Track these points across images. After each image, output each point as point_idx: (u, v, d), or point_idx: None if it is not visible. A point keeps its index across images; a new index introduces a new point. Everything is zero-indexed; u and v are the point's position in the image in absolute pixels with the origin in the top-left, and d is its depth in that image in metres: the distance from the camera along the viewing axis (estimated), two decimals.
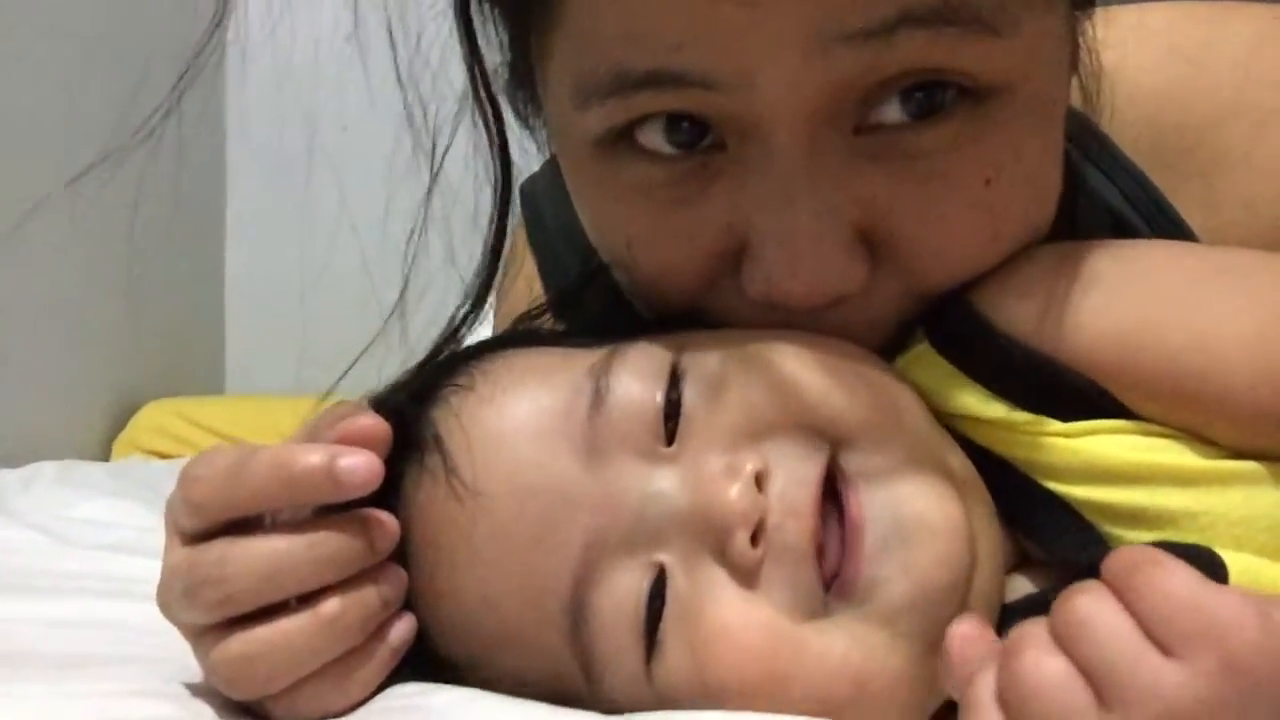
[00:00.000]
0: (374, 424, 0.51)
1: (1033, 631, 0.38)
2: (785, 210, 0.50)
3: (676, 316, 0.56)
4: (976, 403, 0.51)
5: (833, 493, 0.48)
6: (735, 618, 0.46)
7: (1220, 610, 0.35)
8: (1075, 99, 0.63)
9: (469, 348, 0.59)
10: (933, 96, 0.49)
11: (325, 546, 0.49)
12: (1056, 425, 0.50)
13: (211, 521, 0.49)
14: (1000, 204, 0.51)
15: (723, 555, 0.47)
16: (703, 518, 0.47)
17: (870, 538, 0.46)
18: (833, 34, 0.46)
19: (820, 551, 0.47)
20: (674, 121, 0.51)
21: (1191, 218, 0.61)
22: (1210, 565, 0.45)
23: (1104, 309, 0.50)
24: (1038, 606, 0.48)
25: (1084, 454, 0.49)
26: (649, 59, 0.48)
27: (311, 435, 0.52)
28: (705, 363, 0.51)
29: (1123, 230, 0.61)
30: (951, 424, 0.53)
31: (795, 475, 0.47)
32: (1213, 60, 0.62)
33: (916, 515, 0.47)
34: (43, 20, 1.74)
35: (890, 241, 0.51)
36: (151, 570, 0.51)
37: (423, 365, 0.57)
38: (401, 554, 0.51)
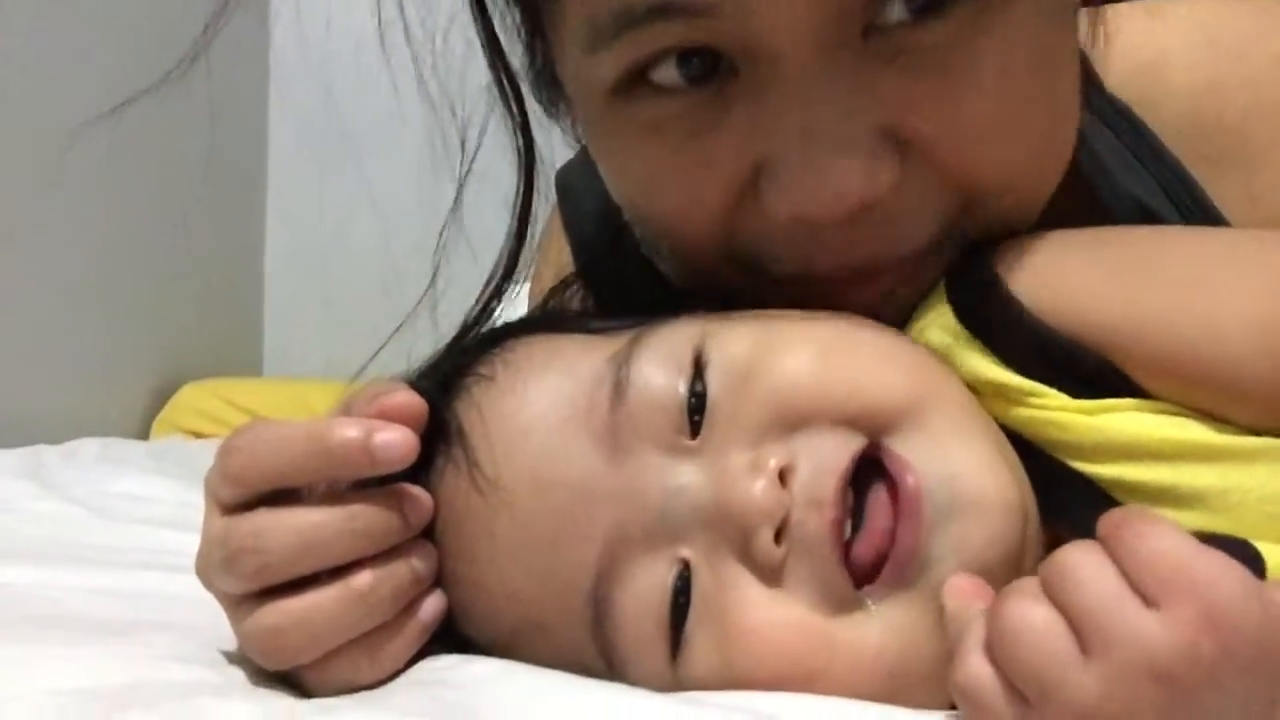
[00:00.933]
0: (410, 400, 0.51)
1: (1022, 583, 0.40)
2: (804, 119, 0.50)
3: (701, 282, 0.56)
4: (991, 369, 0.51)
5: (882, 475, 0.47)
6: (762, 616, 0.46)
7: (1203, 565, 0.36)
8: (1117, 87, 0.63)
9: (493, 331, 0.59)
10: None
11: (360, 520, 0.49)
12: (1074, 401, 0.50)
13: (249, 493, 0.50)
14: (1018, 98, 0.51)
15: (746, 553, 0.46)
16: (725, 515, 0.47)
17: (928, 511, 0.46)
18: None
19: (848, 555, 0.46)
20: (685, 57, 0.51)
21: (1232, 211, 0.61)
22: (1250, 559, 0.45)
23: (1118, 289, 0.50)
24: None
25: (1108, 431, 0.49)
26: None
27: (348, 410, 0.52)
28: (730, 352, 0.50)
29: (1152, 223, 0.61)
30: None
31: (821, 465, 0.46)
32: (1254, 54, 0.62)
33: (973, 489, 0.46)
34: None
35: (916, 140, 0.51)
36: (188, 543, 0.52)
37: (450, 348, 0.58)
38: (430, 534, 0.52)
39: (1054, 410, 0.50)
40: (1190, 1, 0.66)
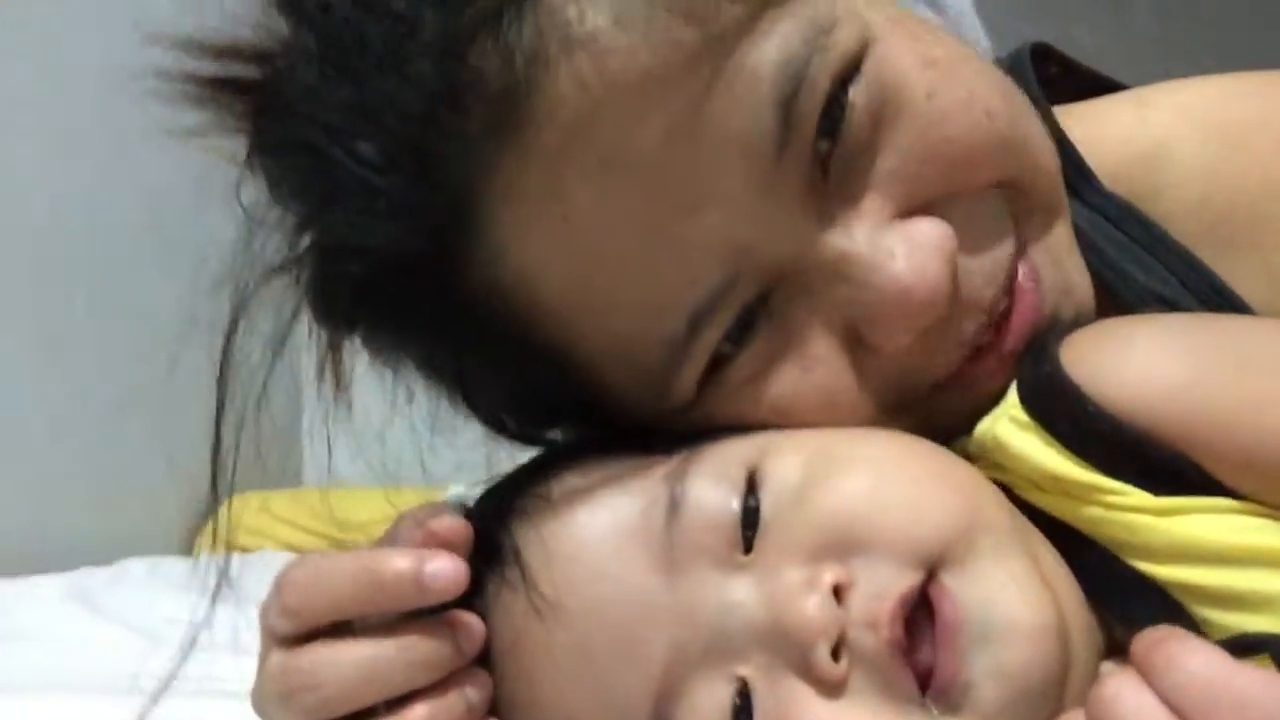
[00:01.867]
0: (456, 525, 0.51)
1: (1070, 716, 0.40)
2: (845, 246, 0.51)
3: None
4: (1057, 463, 0.50)
5: (924, 601, 0.47)
6: None
7: (1239, 684, 0.36)
8: (1112, 179, 0.63)
9: (549, 452, 0.60)
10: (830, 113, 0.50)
11: (415, 651, 0.49)
12: (1147, 499, 0.49)
13: (304, 626, 0.50)
14: (956, 100, 0.52)
15: (805, 669, 0.46)
16: (780, 631, 0.47)
17: (963, 640, 0.46)
18: (765, 153, 0.49)
19: (911, 660, 0.46)
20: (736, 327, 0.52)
21: (1250, 294, 0.61)
22: None
23: (1202, 383, 0.49)
24: None
25: (1175, 534, 0.48)
26: (678, 308, 0.50)
27: (394, 537, 0.53)
28: (785, 468, 0.50)
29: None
30: (1035, 500, 0.52)
31: (877, 589, 0.46)
32: (1260, 135, 0.62)
33: (1006, 616, 0.46)
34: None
35: (922, 190, 0.52)
36: (231, 667, 0.53)
37: (509, 475, 0.58)
38: (483, 660, 0.52)
39: (1122, 511, 0.49)
40: (1183, 86, 0.66)
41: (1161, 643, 0.38)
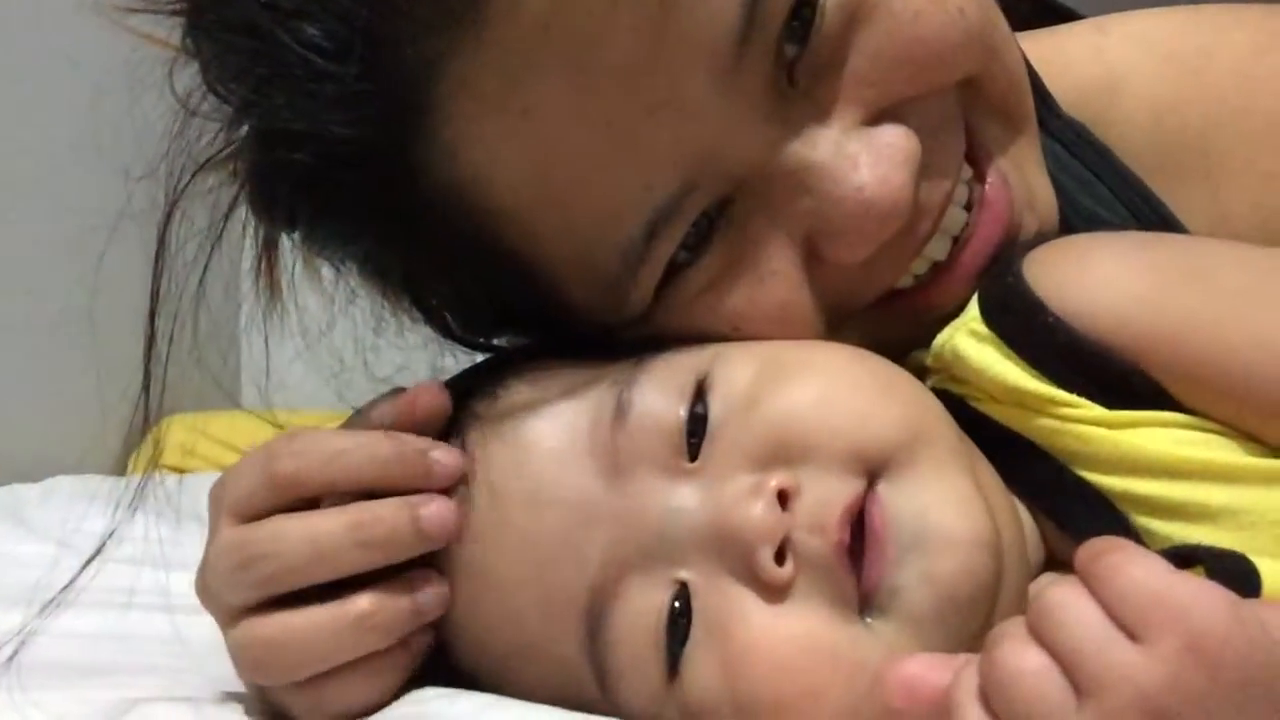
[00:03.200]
0: (443, 396, 0.52)
1: (1010, 627, 0.39)
2: (811, 155, 0.50)
3: None
4: (1020, 378, 0.50)
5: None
6: (767, 635, 0.46)
7: (1182, 594, 0.36)
8: (1071, 106, 0.63)
9: (502, 354, 0.59)
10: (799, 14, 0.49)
11: (374, 529, 0.49)
12: (1099, 411, 0.49)
13: (295, 497, 0.50)
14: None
15: (748, 573, 0.46)
16: (724, 536, 0.46)
17: (892, 547, 0.46)
18: (727, 51, 0.48)
19: (853, 564, 0.46)
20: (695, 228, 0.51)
21: (1197, 223, 0.61)
22: (1243, 573, 0.45)
23: (1162, 298, 0.49)
24: None
25: (1124, 445, 0.48)
26: (636, 214, 0.50)
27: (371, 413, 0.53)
28: (735, 376, 0.50)
29: None
30: (990, 412, 0.52)
31: (824, 496, 0.46)
32: (1213, 66, 0.63)
33: (940, 526, 0.46)
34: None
35: (886, 92, 0.51)
36: (162, 582, 0.52)
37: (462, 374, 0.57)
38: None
39: (1074, 423, 0.50)
40: (1140, 16, 0.66)
41: (1105, 553, 0.38)
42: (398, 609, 0.50)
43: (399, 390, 0.54)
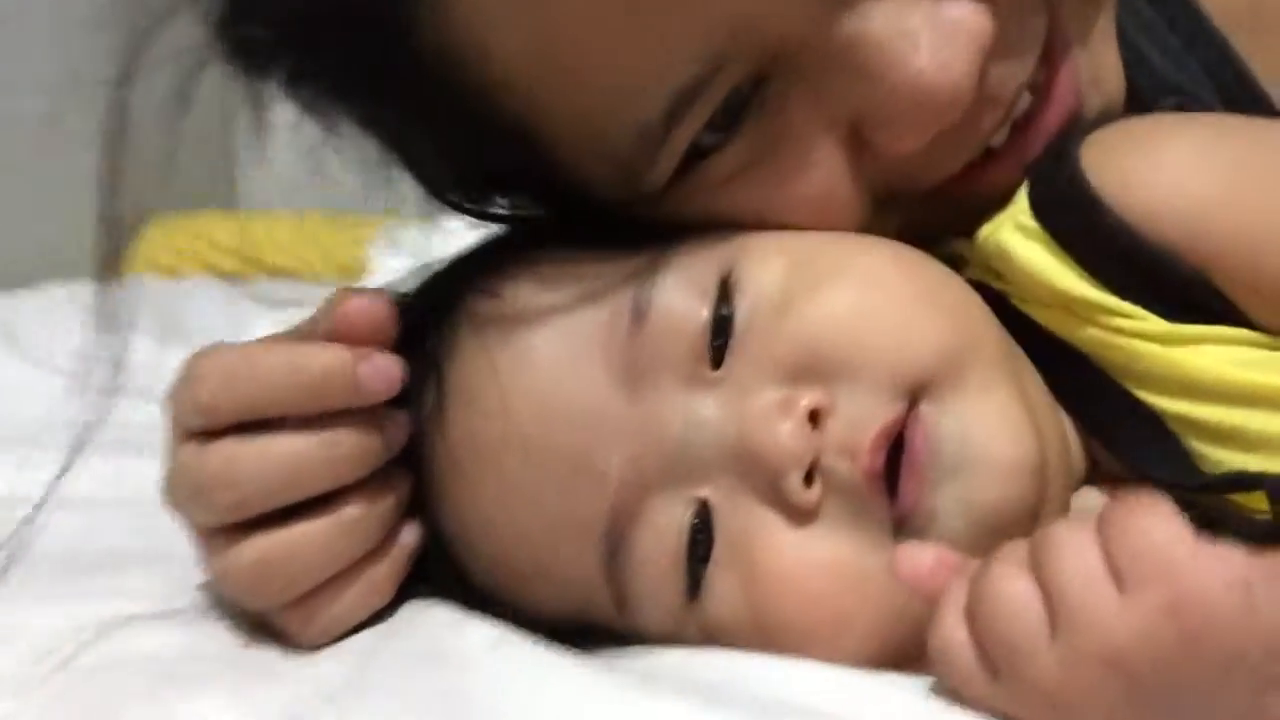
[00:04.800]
0: (378, 309, 0.47)
1: (1012, 550, 0.38)
2: (866, 29, 0.44)
3: None
4: (1071, 282, 0.46)
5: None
6: (793, 561, 0.43)
7: (1180, 552, 0.34)
8: None
9: (501, 238, 0.54)
10: None
11: (341, 447, 0.46)
12: (1157, 325, 0.45)
13: (218, 423, 0.46)
14: None
15: (773, 495, 0.43)
16: (749, 456, 0.43)
17: (932, 471, 0.43)
18: None
19: (887, 486, 0.43)
20: (723, 110, 0.45)
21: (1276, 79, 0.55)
22: None
23: (1241, 200, 0.44)
24: None
25: (1182, 366, 0.44)
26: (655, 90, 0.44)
27: (317, 322, 0.49)
28: (765, 277, 0.46)
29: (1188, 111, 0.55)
30: (1033, 314, 0.48)
31: (858, 417, 0.43)
32: None
33: (985, 451, 0.43)
34: None
35: None
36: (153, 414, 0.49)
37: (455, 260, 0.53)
38: (420, 465, 0.49)
39: (1128, 336, 0.45)
40: None
41: (1133, 507, 0.36)
42: (384, 506, 0.47)
43: (347, 292, 0.49)
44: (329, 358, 0.46)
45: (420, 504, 0.49)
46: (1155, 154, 0.45)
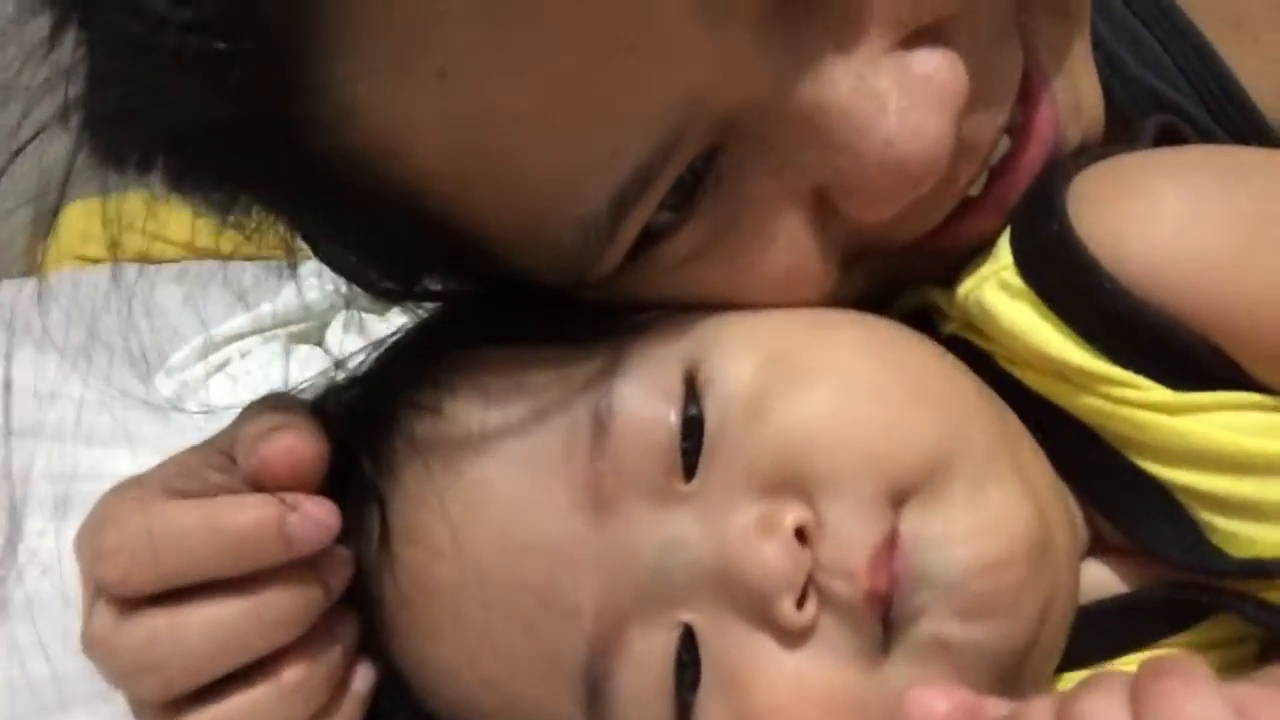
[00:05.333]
0: (308, 448, 0.42)
1: (1036, 711, 0.34)
2: (826, 94, 0.39)
3: None
4: (1064, 349, 0.42)
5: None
6: (788, 689, 0.39)
7: None
8: None
9: (432, 333, 0.49)
10: None
11: (273, 609, 0.42)
12: (1161, 394, 0.41)
13: (136, 596, 0.42)
14: None
15: (763, 618, 0.39)
16: (734, 579, 0.39)
17: (923, 588, 0.39)
18: None
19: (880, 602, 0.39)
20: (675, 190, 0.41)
21: (1262, 97, 0.52)
22: None
23: (1242, 257, 0.40)
24: (1118, 614, 0.44)
25: (1189, 436, 0.41)
26: (598, 185, 0.39)
27: (232, 449, 0.44)
28: (734, 373, 0.42)
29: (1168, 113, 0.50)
30: (1023, 378, 0.44)
31: (848, 534, 0.39)
32: None
33: (976, 557, 0.39)
34: None
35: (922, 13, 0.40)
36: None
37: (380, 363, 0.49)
38: (367, 599, 0.44)
39: (1131, 406, 0.42)
40: None
41: (1169, 675, 0.32)
42: (330, 662, 0.43)
43: (266, 427, 0.43)
44: (251, 515, 0.41)
45: (372, 636, 0.45)
46: (1151, 205, 0.42)
